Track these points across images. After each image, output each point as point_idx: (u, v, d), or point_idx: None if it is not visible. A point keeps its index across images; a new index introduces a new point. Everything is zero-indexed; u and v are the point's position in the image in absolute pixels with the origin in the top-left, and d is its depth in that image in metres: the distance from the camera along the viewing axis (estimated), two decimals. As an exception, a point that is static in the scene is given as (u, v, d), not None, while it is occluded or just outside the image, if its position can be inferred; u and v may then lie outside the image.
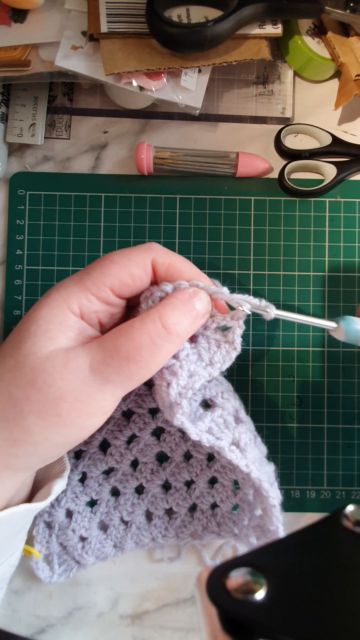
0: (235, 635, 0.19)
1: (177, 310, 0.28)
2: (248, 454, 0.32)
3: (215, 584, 0.20)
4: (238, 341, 0.31)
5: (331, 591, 0.20)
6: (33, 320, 0.28)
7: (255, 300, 0.31)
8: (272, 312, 0.31)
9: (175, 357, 0.30)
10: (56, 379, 0.26)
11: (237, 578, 0.20)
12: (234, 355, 0.31)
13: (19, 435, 0.27)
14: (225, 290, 0.31)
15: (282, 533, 0.33)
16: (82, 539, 0.39)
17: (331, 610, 0.19)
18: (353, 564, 0.21)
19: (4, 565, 0.32)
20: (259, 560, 0.21)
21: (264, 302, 0.31)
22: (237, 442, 0.32)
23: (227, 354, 0.31)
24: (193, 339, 0.32)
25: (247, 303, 0.31)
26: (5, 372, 0.27)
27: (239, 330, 0.31)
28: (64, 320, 0.28)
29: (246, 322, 0.41)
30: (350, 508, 0.24)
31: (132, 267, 0.29)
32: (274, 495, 0.33)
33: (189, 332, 0.29)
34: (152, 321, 0.27)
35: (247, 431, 0.33)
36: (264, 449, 0.36)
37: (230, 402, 0.34)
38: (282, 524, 0.33)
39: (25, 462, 0.28)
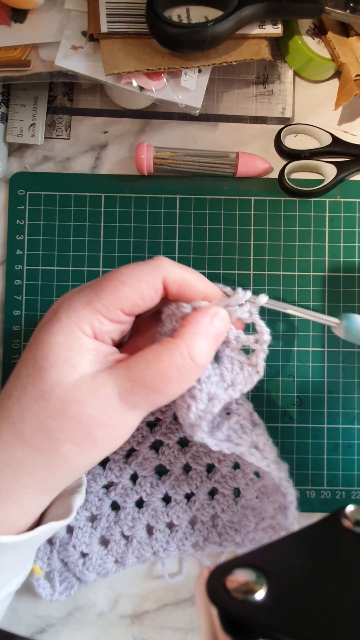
0: (235, 635, 0.19)
1: (203, 339, 0.29)
2: (268, 454, 0.32)
3: (216, 584, 0.20)
4: (261, 365, 0.32)
5: (331, 591, 0.20)
6: (50, 347, 0.27)
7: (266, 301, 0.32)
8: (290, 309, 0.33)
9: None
10: (87, 407, 0.27)
11: (237, 578, 0.20)
12: (256, 379, 0.32)
13: (56, 462, 0.28)
14: (240, 307, 0.32)
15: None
16: (83, 554, 0.39)
17: (331, 610, 0.19)
18: (353, 564, 0.21)
19: (20, 575, 0.33)
20: (259, 560, 0.21)
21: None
22: (256, 445, 0.32)
23: (249, 377, 0.32)
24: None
25: (264, 329, 0.32)
26: (30, 403, 0.27)
27: (262, 354, 0.32)
28: (81, 345, 0.28)
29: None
30: (350, 508, 0.24)
31: (143, 288, 0.29)
32: (292, 492, 0.33)
33: (212, 357, 0.30)
34: (181, 355, 0.28)
35: (263, 432, 0.34)
36: (275, 450, 0.36)
37: (244, 407, 0.34)
38: (296, 521, 0.34)
39: (62, 483, 0.30)
